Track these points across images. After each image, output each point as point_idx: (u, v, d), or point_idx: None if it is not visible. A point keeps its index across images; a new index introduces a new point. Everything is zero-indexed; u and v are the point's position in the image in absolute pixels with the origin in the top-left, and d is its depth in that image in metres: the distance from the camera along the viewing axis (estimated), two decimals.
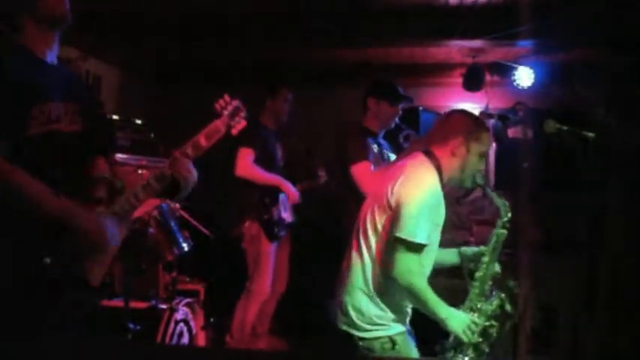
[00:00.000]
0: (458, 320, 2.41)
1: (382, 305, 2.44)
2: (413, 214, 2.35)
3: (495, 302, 2.53)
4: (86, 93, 2.27)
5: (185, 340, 3.59)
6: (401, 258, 2.35)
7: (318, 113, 5.81)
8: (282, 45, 5.17)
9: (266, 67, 5.69)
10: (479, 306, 2.51)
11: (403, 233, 2.35)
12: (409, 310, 2.52)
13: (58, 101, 2.03)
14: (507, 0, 4.26)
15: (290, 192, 4.33)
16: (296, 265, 4.71)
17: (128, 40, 5.04)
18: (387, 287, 2.41)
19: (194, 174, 2.15)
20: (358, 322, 2.44)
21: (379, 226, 2.46)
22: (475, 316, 2.47)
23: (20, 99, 1.95)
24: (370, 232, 2.48)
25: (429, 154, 2.53)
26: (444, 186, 2.50)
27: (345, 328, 2.46)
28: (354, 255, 2.52)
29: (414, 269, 2.36)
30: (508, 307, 2.52)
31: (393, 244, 2.37)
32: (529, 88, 5.45)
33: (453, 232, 2.61)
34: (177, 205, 3.78)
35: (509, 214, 2.59)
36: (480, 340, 2.45)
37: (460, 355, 2.44)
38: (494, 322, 2.49)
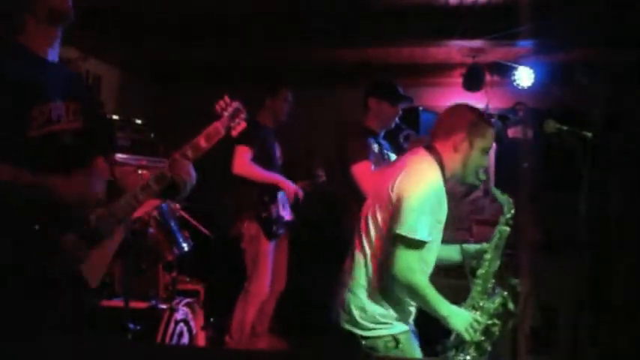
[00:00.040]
0: (460, 318, 2.38)
1: (385, 304, 2.41)
2: (413, 210, 2.32)
3: (498, 300, 2.49)
4: (86, 93, 2.27)
5: (185, 340, 3.59)
6: (401, 255, 2.32)
7: (318, 113, 5.81)
8: (282, 45, 5.17)
9: (266, 67, 5.68)
10: (481, 304, 2.48)
11: (403, 229, 2.31)
12: (413, 309, 2.50)
13: (58, 101, 2.03)
14: (507, 0, 4.26)
15: (289, 188, 4.31)
16: (296, 265, 4.71)
17: (128, 40, 5.04)
18: (390, 285, 2.38)
19: (193, 176, 2.15)
20: (361, 321, 2.41)
21: (381, 224, 2.43)
22: (477, 315, 2.43)
23: (21, 100, 1.95)
24: (372, 231, 2.45)
25: (431, 149, 2.49)
26: (446, 182, 2.46)
27: (348, 327, 2.44)
28: (357, 254, 2.50)
29: (414, 266, 2.33)
30: (511, 306, 2.49)
31: (393, 240, 2.34)
32: (529, 88, 5.44)
33: (453, 232, 2.58)
34: (178, 205, 3.78)
35: (513, 211, 2.56)
36: (482, 338, 2.42)
37: (462, 354, 2.40)
38: (496, 321, 2.46)
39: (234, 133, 2.17)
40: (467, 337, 2.37)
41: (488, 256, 2.55)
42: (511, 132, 5.09)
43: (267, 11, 4.62)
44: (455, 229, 2.60)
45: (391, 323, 2.41)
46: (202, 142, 2.12)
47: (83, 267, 2.02)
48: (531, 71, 5.39)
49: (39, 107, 1.97)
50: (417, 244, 2.33)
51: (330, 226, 4.11)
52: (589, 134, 2.60)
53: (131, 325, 3.18)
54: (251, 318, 4.29)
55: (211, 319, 4.00)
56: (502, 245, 2.57)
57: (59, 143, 2.03)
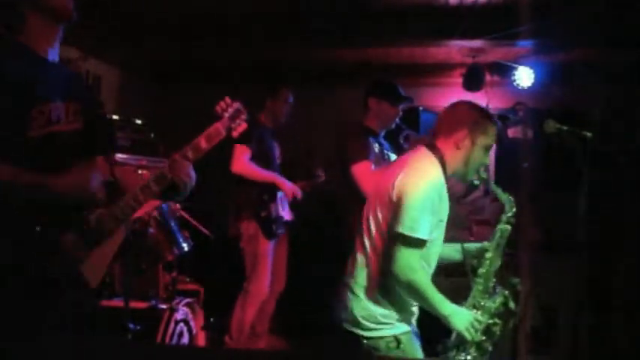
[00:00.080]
0: (461, 318, 2.36)
1: (387, 304, 2.39)
2: (414, 208, 2.30)
3: (499, 300, 2.47)
4: (86, 93, 2.27)
5: (185, 340, 3.59)
6: (401, 253, 2.30)
7: (318, 113, 5.81)
8: (282, 45, 5.17)
9: (266, 67, 5.69)
10: (482, 303, 2.46)
11: (403, 228, 2.29)
12: (415, 310, 2.48)
13: (58, 101, 2.03)
14: (507, 0, 4.26)
15: (287, 188, 4.31)
16: (296, 265, 4.71)
17: (128, 40, 5.04)
18: (391, 285, 2.36)
19: (193, 177, 2.15)
20: (363, 322, 2.39)
21: (382, 223, 2.40)
22: (478, 314, 2.42)
23: (20, 100, 1.94)
24: (373, 231, 2.43)
25: (432, 147, 2.46)
26: (447, 180, 2.44)
27: (349, 327, 2.42)
28: (358, 254, 2.48)
29: (414, 265, 2.31)
30: (512, 305, 2.47)
31: (393, 239, 2.32)
32: (529, 88, 5.45)
33: (453, 232, 2.56)
34: (178, 205, 3.78)
35: (514, 209, 2.54)
36: (483, 338, 2.40)
37: (463, 354, 2.39)
38: (497, 320, 2.44)
39: (235, 134, 2.16)
40: (468, 336, 2.35)
41: (489, 255, 2.53)
42: (511, 132, 5.09)
43: (267, 11, 4.62)
44: (455, 228, 2.60)
45: (393, 324, 2.40)
46: (203, 143, 2.12)
47: (83, 267, 2.02)
48: (531, 71, 5.40)
49: (39, 107, 1.97)
50: (418, 243, 2.31)
51: (330, 226, 4.12)
52: (589, 134, 2.60)
53: (131, 325, 3.18)
54: (250, 318, 4.29)
55: (211, 319, 4.00)
56: (503, 244, 2.55)
57: (59, 144, 2.03)
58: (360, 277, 2.44)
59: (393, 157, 3.83)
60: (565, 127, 2.63)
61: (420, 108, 5.20)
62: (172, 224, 3.59)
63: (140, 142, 4.27)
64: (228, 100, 2.17)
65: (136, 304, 3.39)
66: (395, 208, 2.34)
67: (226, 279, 4.44)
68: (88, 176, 2.04)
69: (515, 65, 5.42)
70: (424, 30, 4.72)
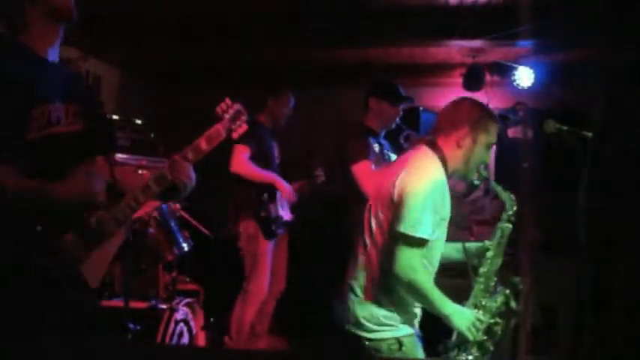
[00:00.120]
0: (462, 317, 2.33)
1: (389, 305, 2.37)
2: (415, 207, 2.27)
3: (500, 299, 2.45)
4: (86, 93, 2.27)
5: (185, 340, 3.59)
6: (402, 253, 2.27)
7: (318, 113, 5.81)
8: (282, 45, 5.17)
9: (266, 67, 5.69)
10: (483, 303, 2.44)
11: (404, 227, 2.27)
12: (418, 311, 2.45)
13: (58, 103, 2.03)
14: (507, 0, 4.26)
15: (284, 189, 4.30)
16: (296, 265, 4.71)
17: (128, 40, 5.04)
18: (393, 286, 2.34)
19: (193, 178, 2.14)
20: (365, 323, 2.37)
21: (383, 223, 2.38)
22: (480, 314, 2.40)
23: (20, 100, 1.94)
24: (375, 231, 2.41)
25: (433, 146, 2.43)
26: (448, 178, 2.41)
27: (351, 329, 2.40)
28: (360, 255, 2.46)
29: (416, 265, 2.29)
30: (513, 304, 2.45)
31: (394, 238, 2.30)
32: (529, 88, 5.45)
33: (453, 232, 2.55)
34: (178, 206, 3.78)
35: (515, 208, 2.52)
36: (485, 338, 2.38)
37: (464, 354, 2.37)
38: (498, 320, 2.42)
39: (235, 135, 2.17)
40: (469, 336, 2.33)
41: (490, 253, 2.51)
42: (511, 132, 5.09)
43: (267, 11, 4.62)
44: (455, 228, 2.60)
45: (396, 326, 2.37)
46: (203, 144, 2.11)
47: (83, 267, 2.02)
48: (531, 71, 5.40)
49: (39, 108, 1.97)
50: (419, 242, 2.29)
51: (330, 226, 4.12)
52: (589, 134, 2.59)
53: (131, 325, 3.18)
54: (250, 318, 4.29)
55: (211, 319, 4.00)
56: (504, 243, 2.53)
57: (59, 145, 2.02)
58: (362, 278, 2.43)
59: (394, 157, 3.83)
60: (565, 127, 2.63)
61: (420, 108, 5.20)
62: (172, 224, 3.59)
63: (140, 142, 4.27)
64: (228, 101, 2.17)
65: (136, 304, 3.39)
66: (396, 208, 2.32)
67: (226, 279, 4.44)
68: (89, 180, 2.03)
69: (515, 65, 5.42)
70: (424, 30, 4.72)
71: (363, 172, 3.57)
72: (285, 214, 4.37)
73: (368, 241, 2.44)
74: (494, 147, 2.64)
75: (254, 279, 4.26)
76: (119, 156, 3.86)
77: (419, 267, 2.30)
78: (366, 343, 2.37)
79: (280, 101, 4.44)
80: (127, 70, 6.02)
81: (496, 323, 2.42)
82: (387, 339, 2.36)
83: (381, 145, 3.84)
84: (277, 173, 4.35)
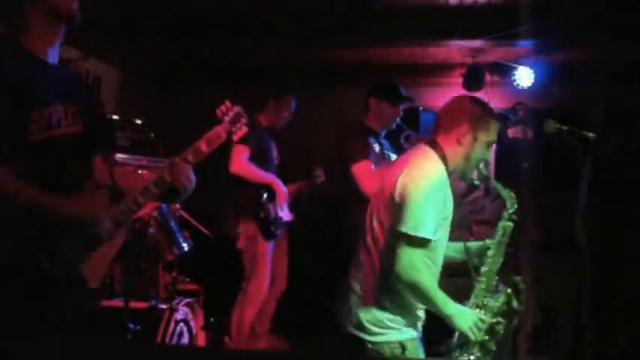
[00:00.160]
0: (464, 317, 2.31)
1: (393, 308, 2.34)
2: (417, 207, 2.25)
3: (501, 298, 2.44)
4: (86, 93, 2.27)
5: (185, 340, 3.59)
6: (404, 253, 2.24)
7: (318, 113, 5.81)
8: (282, 45, 5.17)
9: (266, 67, 5.69)
10: (485, 302, 2.42)
11: (407, 227, 2.24)
12: (421, 314, 2.43)
13: (58, 105, 2.03)
14: (507, 0, 4.26)
15: (280, 191, 4.30)
16: (296, 265, 4.71)
17: (128, 40, 5.04)
18: (396, 287, 2.31)
19: (193, 180, 2.15)
20: (368, 326, 2.35)
21: (385, 224, 2.35)
22: (482, 313, 2.38)
23: (20, 102, 1.94)
24: (377, 232, 2.38)
25: (433, 144, 2.41)
26: (449, 176, 2.39)
27: (354, 331, 2.38)
28: (363, 256, 2.44)
29: (418, 265, 2.26)
30: (515, 304, 2.44)
31: (396, 238, 2.27)
32: (529, 88, 5.45)
33: (453, 232, 2.54)
34: (178, 205, 3.78)
35: (516, 206, 2.50)
36: (487, 338, 2.36)
37: (466, 355, 2.35)
38: (500, 319, 2.40)
39: (235, 137, 2.17)
40: (472, 336, 2.30)
41: (491, 252, 2.49)
42: (511, 132, 5.10)
43: (267, 11, 4.62)
44: (455, 228, 2.60)
45: (400, 329, 2.35)
46: (203, 146, 2.12)
47: (83, 268, 2.02)
48: (531, 71, 5.40)
49: (39, 111, 1.97)
50: (421, 242, 2.26)
51: (330, 226, 4.12)
52: (589, 134, 2.59)
53: (131, 325, 3.18)
54: (250, 318, 4.28)
55: (211, 319, 4.00)
56: (505, 241, 2.51)
57: (59, 147, 2.03)
58: (365, 280, 2.40)
59: (394, 157, 3.83)
60: (565, 127, 2.63)
61: (420, 108, 5.20)
62: (172, 224, 3.59)
63: (140, 142, 4.27)
64: (228, 103, 2.17)
65: (136, 304, 3.39)
66: (398, 208, 2.29)
67: (226, 279, 4.44)
68: (96, 208, 2.03)
69: (515, 65, 5.42)
70: (424, 30, 4.72)
71: (363, 172, 3.57)
72: (285, 215, 4.37)
73: (369, 241, 2.42)
74: (495, 147, 2.64)
75: (254, 279, 4.26)
76: (119, 156, 3.86)
77: (421, 267, 2.28)
78: (369, 346, 2.34)
79: (282, 104, 4.43)
80: (127, 70, 6.02)
81: (498, 323, 2.39)
82: (390, 342, 2.34)
83: (381, 145, 3.84)
84: (276, 174, 4.35)
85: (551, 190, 4.64)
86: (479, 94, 5.43)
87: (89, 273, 2.04)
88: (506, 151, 4.95)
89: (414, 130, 4.16)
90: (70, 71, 2.21)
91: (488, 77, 5.55)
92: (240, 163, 4.14)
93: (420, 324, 2.44)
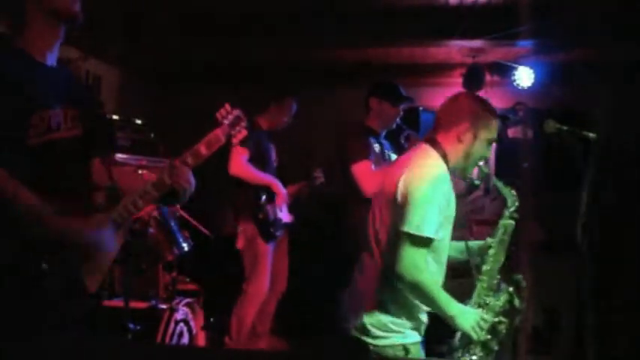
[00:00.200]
0: (467, 317, 2.28)
1: (396, 310, 2.32)
2: (420, 206, 2.22)
3: (503, 297, 2.41)
4: (86, 94, 2.27)
5: (185, 340, 3.59)
6: (407, 253, 2.21)
7: (318, 113, 5.81)
8: (282, 45, 5.17)
9: (266, 67, 5.69)
10: (487, 301, 2.40)
11: (410, 227, 2.21)
12: (425, 318, 2.40)
13: (57, 108, 2.02)
14: (507, 0, 4.26)
15: (279, 193, 4.29)
16: (296, 265, 4.71)
17: (128, 40, 5.04)
18: (399, 289, 2.29)
19: (192, 183, 2.15)
20: (372, 329, 2.32)
21: (388, 225, 2.33)
22: (484, 313, 2.35)
23: (20, 106, 1.93)
24: (380, 234, 2.36)
25: (433, 142, 2.39)
26: (450, 174, 2.37)
27: (357, 334, 2.35)
28: (366, 258, 2.42)
29: (420, 265, 2.23)
30: (517, 302, 2.41)
31: (399, 238, 2.24)
32: (529, 88, 5.45)
33: (452, 232, 2.53)
34: (178, 206, 3.78)
35: (517, 204, 2.48)
36: (489, 337, 2.33)
37: (468, 355, 2.32)
38: (502, 319, 2.37)
39: (235, 141, 2.18)
40: (474, 336, 2.28)
41: (492, 251, 2.46)
42: (511, 132, 5.10)
43: (267, 11, 4.62)
44: (455, 228, 2.59)
45: (403, 332, 2.33)
46: (202, 149, 2.12)
47: (83, 271, 2.02)
48: (531, 71, 5.40)
49: (38, 114, 1.96)
50: (424, 242, 2.24)
51: (330, 227, 4.12)
52: (589, 134, 2.59)
53: (131, 325, 3.18)
54: (250, 319, 4.28)
55: (211, 319, 4.00)
56: (507, 240, 2.49)
57: (59, 151, 2.02)
58: (368, 282, 2.38)
59: (394, 157, 3.83)
60: (565, 127, 2.62)
61: (420, 108, 5.20)
62: (172, 224, 3.59)
63: (140, 142, 4.27)
64: (228, 107, 2.17)
65: (136, 304, 3.39)
66: (400, 208, 2.27)
67: (226, 279, 4.44)
68: (91, 234, 2.02)
69: (515, 65, 5.42)
70: (424, 30, 4.72)
71: (363, 172, 3.57)
72: (284, 216, 4.36)
73: (372, 244, 2.40)
74: (495, 147, 2.63)
75: (254, 280, 4.26)
76: (119, 156, 3.86)
77: (423, 267, 2.25)
78: (372, 349, 2.32)
79: (283, 108, 4.43)
80: (127, 70, 6.02)
81: (500, 322, 2.37)
82: (394, 345, 2.31)
83: (381, 145, 3.84)
84: (275, 176, 4.35)
85: (551, 190, 4.64)
86: (479, 94, 5.44)
87: (88, 277, 2.04)
88: (506, 151, 4.95)
89: (413, 130, 4.16)
90: (69, 72, 2.20)
91: (488, 77, 5.55)
92: (240, 164, 4.13)
93: (423, 328, 2.41)
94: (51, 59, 2.06)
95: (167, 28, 4.89)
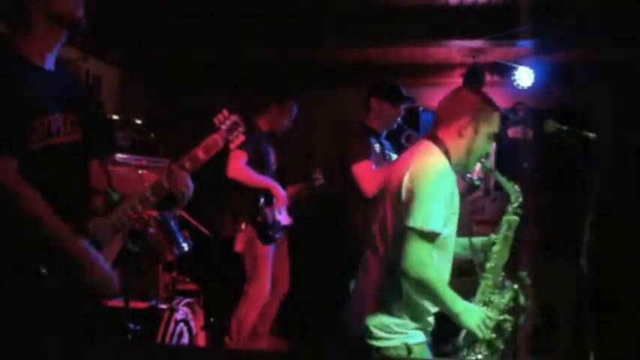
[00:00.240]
0: (472, 315, 2.24)
1: (400, 311, 2.29)
2: (425, 201, 2.20)
3: (508, 295, 2.38)
4: (85, 95, 2.27)
5: (185, 340, 3.59)
6: (412, 248, 2.18)
7: (318, 113, 5.81)
8: (282, 45, 5.17)
9: (266, 67, 5.69)
10: (492, 299, 2.36)
11: (415, 221, 2.18)
12: (431, 319, 2.37)
13: (57, 113, 2.02)
14: (507, 0, 4.26)
15: (279, 195, 4.28)
16: (296, 266, 4.71)
17: (128, 40, 5.04)
18: (404, 289, 2.26)
19: (191, 187, 2.16)
20: (375, 331, 2.28)
21: (393, 224, 2.30)
22: (489, 310, 2.31)
23: (20, 112, 1.93)
24: (384, 233, 2.34)
25: (434, 139, 2.37)
26: (452, 170, 2.35)
27: (359, 336, 2.32)
28: (370, 258, 2.40)
29: (425, 261, 2.20)
30: (522, 300, 2.38)
31: (404, 234, 2.21)
32: (529, 88, 5.45)
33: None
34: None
35: (520, 199, 2.45)
36: (494, 335, 2.29)
37: (473, 354, 2.29)
38: (507, 317, 2.34)
39: (233, 145, 2.20)
40: (479, 334, 2.25)
41: (496, 247, 2.43)
42: (511, 132, 5.10)
43: (267, 11, 4.62)
44: (458, 227, 2.60)
45: (407, 332, 2.29)
46: (200, 153, 2.13)
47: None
48: (531, 71, 5.40)
49: (39, 119, 1.96)
50: (430, 236, 2.21)
51: (330, 227, 4.11)
52: (589, 134, 2.59)
53: (131, 325, 3.17)
54: (251, 320, 4.28)
55: (211, 319, 4.00)
56: (511, 236, 2.45)
57: (59, 156, 2.03)
58: (371, 283, 2.36)
59: (395, 157, 3.83)
60: (565, 127, 2.62)
61: (420, 108, 5.20)
62: (172, 224, 3.58)
63: (140, 142, 4.26)
64: (226, 112, 2.20)
65: (136, 304, 3.38)
66: (405, 205, 2.24)
67: (226, 279, 4.43)
68: (103, 273, 2.02)
69: (515, 65, 5.42)
70: (424, 30, 4.72)
71: (364, 172, 3.57)
72: (284, 219, 4.35)
73: (376, 243, 2.38)
74: (495, 147, 2.63)
75: (255, 282, 4.26)
76: (119, 156, 3.86)
77: (429, 263, 2.22)
78: (375, 350, 2.29)
79: (283, 111, 4.42)
80: (127, 70, 6.02)
81: (505, 320, 2.33)
82: (397, 347, 2.28)
83: (382, 145, 3.84)
84: (274, 178, 4.34)
85: (551, 190, 4.64)
86: None
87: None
88: (506, 151, 4.95)
89: (413, 130, 4.16)
90: (68, 74, 2.19)
91: (488, 77, 5.55)
92: (238, 167, 4.12)
93: (429, 329, 2.38)
94: (50, 62, 2.06)
95: (167, 29, 4.89)
